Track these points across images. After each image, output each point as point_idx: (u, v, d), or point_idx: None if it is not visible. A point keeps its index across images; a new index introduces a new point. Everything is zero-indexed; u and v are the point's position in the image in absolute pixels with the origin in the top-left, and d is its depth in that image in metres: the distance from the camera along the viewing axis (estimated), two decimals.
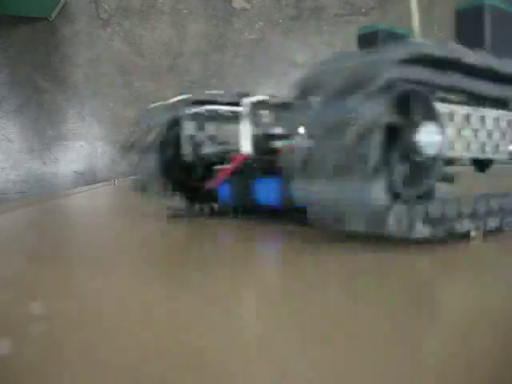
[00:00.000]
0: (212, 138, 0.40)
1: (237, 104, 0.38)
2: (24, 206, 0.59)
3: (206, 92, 0.41)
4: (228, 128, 0.40)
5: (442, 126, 0.25)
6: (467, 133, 0.28)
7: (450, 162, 0.31)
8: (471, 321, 0.15)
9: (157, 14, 1.43)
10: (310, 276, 0.21)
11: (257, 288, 0.20)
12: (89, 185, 1.16)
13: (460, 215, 0.26)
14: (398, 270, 0.22)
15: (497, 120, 0.29)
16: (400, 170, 0.24)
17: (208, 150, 0.39)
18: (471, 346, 0.13)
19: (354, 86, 0.22)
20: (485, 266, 0.23)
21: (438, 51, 0.24)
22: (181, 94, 0.40)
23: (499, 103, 0.29)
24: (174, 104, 0.40)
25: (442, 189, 0.26)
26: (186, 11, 1.44)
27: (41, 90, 1.38)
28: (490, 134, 0.29)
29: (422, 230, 0.24)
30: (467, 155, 0.28)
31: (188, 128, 0.39)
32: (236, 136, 0.37)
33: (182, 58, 1.44)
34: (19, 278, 0.22)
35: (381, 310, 0.16)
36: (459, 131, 0.27)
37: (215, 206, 0.40)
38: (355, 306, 0.16)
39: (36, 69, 1.38)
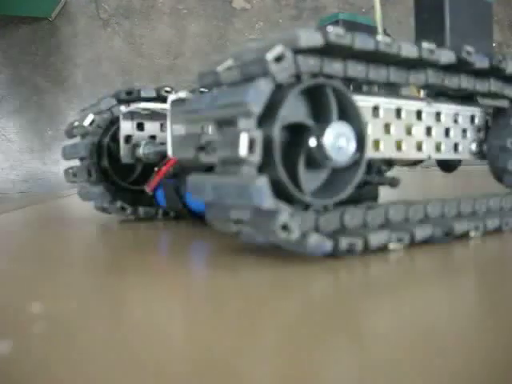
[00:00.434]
0: (151, 138, 0.38)
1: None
2: (21, 207, 0.59)
3: (125, 89, 0.38)
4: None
5: (359, 126, 0.22)
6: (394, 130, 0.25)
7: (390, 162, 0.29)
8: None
9: (157, 14, 1.43)
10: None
11: None
12: None
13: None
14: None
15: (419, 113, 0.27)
16: (307, 175, 0.21)
17: (146, 150, 0.37)
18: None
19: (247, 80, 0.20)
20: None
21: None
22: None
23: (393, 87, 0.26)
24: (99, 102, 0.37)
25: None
26: (185, 11, 1.44)
27: (41, 90, 1.38)
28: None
29: (318, 243, 0.20)
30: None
31: (125, 128, 0.37)
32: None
33: (182, 58, 1.44)
34: None
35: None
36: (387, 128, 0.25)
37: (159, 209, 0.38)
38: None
39: (36, 69, 1.38)
